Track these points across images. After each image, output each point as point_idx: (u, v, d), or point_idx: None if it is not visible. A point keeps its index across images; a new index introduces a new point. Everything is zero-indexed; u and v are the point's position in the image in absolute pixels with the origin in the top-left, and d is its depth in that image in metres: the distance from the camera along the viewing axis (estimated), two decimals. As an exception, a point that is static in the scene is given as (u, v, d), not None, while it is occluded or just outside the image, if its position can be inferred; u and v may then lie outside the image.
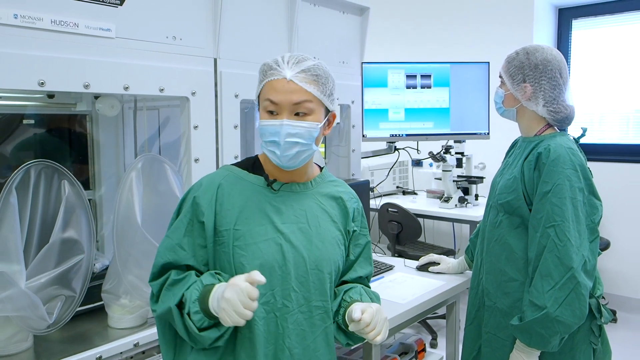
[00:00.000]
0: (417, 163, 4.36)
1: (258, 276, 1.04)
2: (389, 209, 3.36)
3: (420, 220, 3.36)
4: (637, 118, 4.04)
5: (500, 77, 1.79)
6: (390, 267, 2.15)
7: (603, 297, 1.68)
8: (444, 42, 4.36)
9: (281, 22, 1.96)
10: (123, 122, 2.08)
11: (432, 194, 3.90)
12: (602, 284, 1.68)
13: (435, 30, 4.44)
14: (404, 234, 3.32)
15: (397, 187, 4.20)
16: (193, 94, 1.67)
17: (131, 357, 1.58)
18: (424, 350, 2.19)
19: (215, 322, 1.12)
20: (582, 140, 1.75)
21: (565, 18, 4.17)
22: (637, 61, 3.91)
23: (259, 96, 1.22)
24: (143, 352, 1.62)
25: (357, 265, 1.32)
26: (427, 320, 3.51)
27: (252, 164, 1.28)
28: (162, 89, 1.58)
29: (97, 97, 1.72)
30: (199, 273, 1.20)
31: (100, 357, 1.48)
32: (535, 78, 1.69)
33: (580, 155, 1.64)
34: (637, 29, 3.91)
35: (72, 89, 1.39)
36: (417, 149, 3.22)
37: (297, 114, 1.16)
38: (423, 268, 2.09)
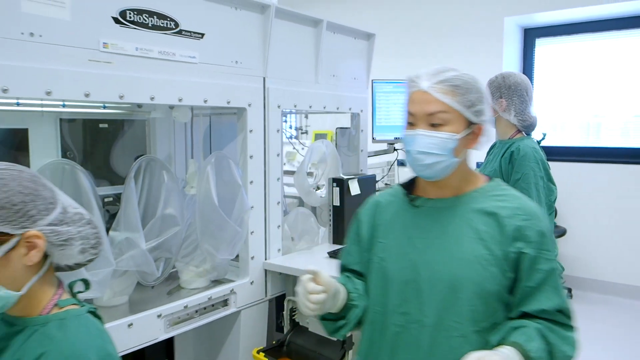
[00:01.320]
0: (402, 163, 4.88)
1: (312, 267, 1.15)
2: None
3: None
4: (594, 123, 4.65)
5: (483, 93, 2.33)
6: (393, 244, 2.65)
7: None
8: (429, 60, 4.90)
9: (310, 47, 2.44)
10: (174, 127, 2.52)
11: (416, 190, 4.44)
12: (556, 248, 2.23)
13: (421, 50, 4.97)
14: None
15: (386, 184, 4.72)
16: (249, 105, 2.14)
17: (204, 308, 2.04)
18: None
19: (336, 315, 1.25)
20: (545, 143, 2.31)
21: (530, 37, 4.77)
22: (592, 74, 4.53)
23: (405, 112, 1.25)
24: (212, 306, 2.08)
25: (540, 294, 1.13)
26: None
27: (410, 182, 1.31)
28: (229, 102, 2.05)
29: (171, 107, 2.17)
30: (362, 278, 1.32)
31: (187, 305, 1.94)
32: (509, 95, 2.25)
33: (542, 153, 2.19)
34: (590, 48, 4.53)
35: (171, 102, 1.86)
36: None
37: (432, 125, 1.16)
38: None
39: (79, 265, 1.04)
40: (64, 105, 1.82)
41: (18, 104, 1.67)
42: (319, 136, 4.78)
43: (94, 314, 1.05)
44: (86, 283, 1.08)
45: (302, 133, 3.76)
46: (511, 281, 1.14)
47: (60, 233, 0.98)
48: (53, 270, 1.04)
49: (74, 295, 1.05)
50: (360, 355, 1.32)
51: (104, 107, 2.08)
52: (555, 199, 2.17)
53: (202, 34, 1.94)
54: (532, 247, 1.14)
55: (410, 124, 1.20)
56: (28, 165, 1.84)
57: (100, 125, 2.34)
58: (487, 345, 1.10)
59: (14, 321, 0.98)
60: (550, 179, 2.16)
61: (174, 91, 1.85)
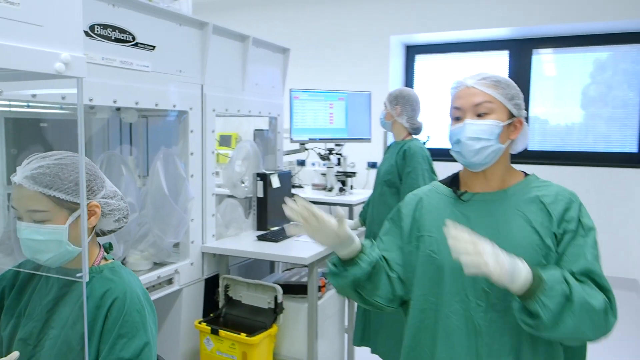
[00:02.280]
0: (302, 163, 5.36)
1: (341, 212, 1.26)
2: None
3: (312, 205, 4.36)
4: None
5: (384, 103, 2.87)
6: (308, 230, 3.10)
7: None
8: (329, 69, 5.42)
9: (238, 59, 2.81)
10: (109, 127, 2.75)
11: (316, 186, 4.93)
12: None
13: (321, 62, 5.47)
14: (300, 216, 4.29)
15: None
16: (191, 108, 2.46)
17: (153, 286, 2.32)
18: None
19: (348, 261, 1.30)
20: (430, 145, 2.90)
21: (411, 53, 5.50)
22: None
23: (450, 112, 1.33)
24: (160, 284, 2.37)
25: (563, 260, 1.20)
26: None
27: (452, 179, 1.40)
28: (175, 105, 2.36)
29: (118, 109, 2.42)
30: (389, 267, 1.37)
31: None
32: (403, 104, 2.81)
33: (427, 151, 2.77)
34: (459, 64, 5.35)
35: (129, 105, 2.13)
36: (325, 150, 4.23)
37: (479, 116, 1.26)
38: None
39: (111, 232, 1.35)
40: (9, 105, 2.02)
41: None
42: (223, 137, 5.11)
43: None
44: (111, 245, 1.39)
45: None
46: (556, 258, 1.22)
47: (108, 204, 1.29)
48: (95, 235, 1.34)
49: (107, 252, 1.36)
50: (408, 339, 1.38)
51: (28, 106, 2.27)
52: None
53: (154, 46, 2.23)
54: (574, 224, 1.21)
55: (457, 119, 1.30)
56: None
57: (41, 124, 2.53)
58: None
59: (71, 272, 1.26)
60: (433, 171, 2.75)
61: (131, 96, 2.13)
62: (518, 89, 1.31)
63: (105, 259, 1.34)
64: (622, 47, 4.86)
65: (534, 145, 5.16)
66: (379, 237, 1.46)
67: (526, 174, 1.35)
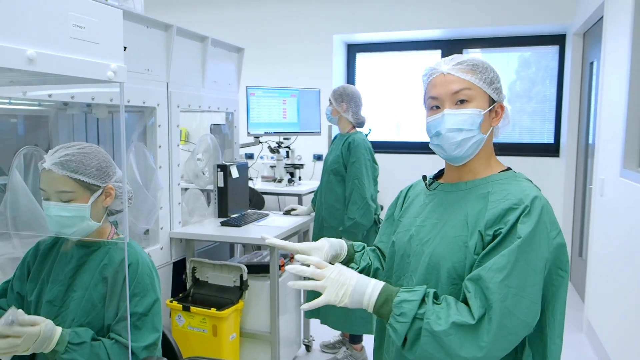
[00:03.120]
0: (250, 156, 5.59)
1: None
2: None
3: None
4: (404, 122, 5.88)
5: (329, 100, 3.18)
6: (266, 214, 3.35)
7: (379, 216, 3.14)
8: (275, 66, 5.66)
9: (198, 59, 3.02)
10: (73, 122, 2.89)
11: (265, 178, 5.18)
12: (379, 208, 3.16)
13: (269, 59, 5.71)
14: (253, 206, 4.54)
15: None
16: (158, 104, 2.66)
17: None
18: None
19: None
20: (371, 138, 3.24)
21: (352, 51, 5.85)
22: (399, 82, 5.76)
23: (424, 102, 1.27)
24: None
25: (486, 260, 1.08)
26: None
27: (440, 170, 1.36)
28: (144, 102, 2.55)
29: (89, 105, 2.58)
30: (384, 259, 1.41)
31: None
32: (348, 100, 3.12)
33: (369, 142, 3.10)
34: (397, 61, 5.75)
35: (106, 102, 2.31)
36: (277, 143, 4.48)
37: (457, 103, 1.18)
38: (287, 213, 3.37)
39: (118, 212, 1.57)
40: None
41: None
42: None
43: None
44: (116, 223, 1.61)
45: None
46: (475, 261, 1.11)
47: (119, 187, 1.51)
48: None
49: (116, 228, 1.59)
50: (378, 320, 1.36)
51: (10, 103, 2.42)
52: (378, 174, 3.12)
53: (125, 47, 2.41)
54: (507, 228, 1.08)
55: (435, 109, 1.22)
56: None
57: (11, 120, 2.65)
58: None
59: (89, 244, 1.48)
60: (374, 161, 3.09)
61: (106, 93, 2.31)
62: (496, 71, 1.23)
63: (117, 234, 1.57)
64: (542, 48, 5.42)
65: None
66: (380, 232, 1.47)
67: (507, 170, 1.25)
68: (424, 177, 1.36)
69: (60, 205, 1.41)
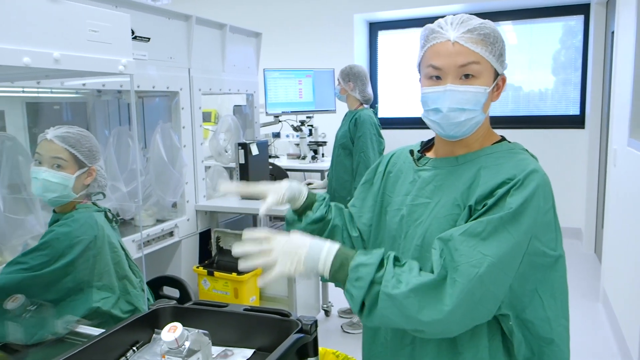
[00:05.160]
0: (277, 135, 5.84)
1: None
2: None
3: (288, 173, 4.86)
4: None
5: (338, 79, 3.37)
6: (284, 190, 3.60)
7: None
8: (296, 48, 5.86)
9: (218, 45, 3.26)
10: (108, 107, 3.19)
11: (291, 156, 5.42)
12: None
13: (290, 41, 5.91)
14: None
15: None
16: (181, 89, 2.92)
17: (159, 237, 2.81)
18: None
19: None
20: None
21: (374, 30, 5.97)
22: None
23: (419, 64, 1.15)
24: (163, 236, 2.86)
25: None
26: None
27: (428, 140, 1.26)
28: (168, 87, 2.81)
29: (119, 92, 2.86)
30: (352, 226, 1.31)
31: (149, 234, 2.71)
32: (355, 79, 3.30)
33: (375, 118, 3.28)
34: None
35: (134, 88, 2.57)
36: (297, 123, 4.71)
37: (462, 78, 1.06)
38: (307, 185, 3.60)
39: (93, 195, 1.78)
40: (23, 91, 2.45)
41: None
42: (204, 114, 5.55)
43: (105, 215, 1.78)
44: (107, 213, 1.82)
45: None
46: None
47: (101, 170, 1.77)
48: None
49: (94, 204, 1.78)
50: None
51: (51, 92, 2.72)
52: (384, 148, 3.31)
53: (149, 38, 2.67)
54: (494, 200, 1.01)
55: (435, 79, 1.10)
56: None
57: (55, 107, 2.97)
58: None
59: (59, 217, 1.70)
60: (380, 135, 3.28)
61: (135, 81, 2.57)
62: (503, 40, 1.11)
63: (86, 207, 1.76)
64: (567, 18, 5.39)
65: (507, 111, 5.57)
66: (354, 199, 1.37)
67: (502, 140, 1.17)
68: (411, 152, 1.26)
69: (50, 171, 1.64)
